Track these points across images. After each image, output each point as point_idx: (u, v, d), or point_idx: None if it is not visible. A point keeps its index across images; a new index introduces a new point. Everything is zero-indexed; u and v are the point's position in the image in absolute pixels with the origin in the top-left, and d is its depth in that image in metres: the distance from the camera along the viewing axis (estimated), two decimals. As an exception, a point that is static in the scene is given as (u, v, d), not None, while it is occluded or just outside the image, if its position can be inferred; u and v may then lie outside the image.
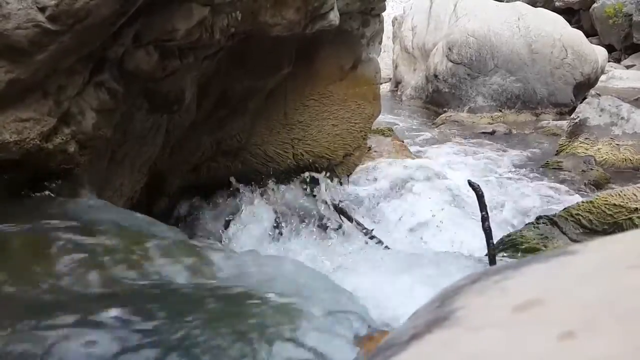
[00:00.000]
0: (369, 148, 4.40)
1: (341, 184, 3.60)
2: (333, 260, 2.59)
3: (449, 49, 8.00)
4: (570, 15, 13.73)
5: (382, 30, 3.60)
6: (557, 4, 14.31)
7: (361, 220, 3.26)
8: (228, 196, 3.15)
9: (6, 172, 1.68)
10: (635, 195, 2.90)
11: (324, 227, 3.03)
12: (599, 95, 6.83)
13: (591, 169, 4.73)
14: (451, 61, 7.97)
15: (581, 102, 6.18)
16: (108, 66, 1.89)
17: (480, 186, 2.57)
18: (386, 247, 2.96)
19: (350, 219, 3.12)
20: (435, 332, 0.44)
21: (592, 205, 2.99)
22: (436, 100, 8.25)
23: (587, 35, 9.34)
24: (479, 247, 2.94)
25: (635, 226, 2.77)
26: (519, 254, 2.79)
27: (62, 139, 1.75)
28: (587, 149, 5.12)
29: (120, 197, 2.37)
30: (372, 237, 3.01)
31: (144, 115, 2.26)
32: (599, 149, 5.10)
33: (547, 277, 0.48)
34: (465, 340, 0.41)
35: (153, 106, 2.26)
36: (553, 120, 7.34)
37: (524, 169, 5.15)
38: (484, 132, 6.86)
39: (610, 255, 0.49)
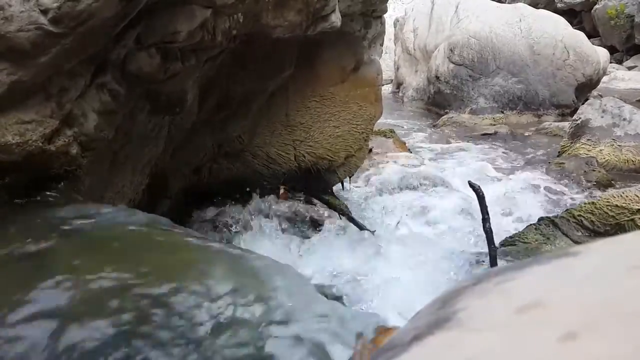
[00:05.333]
0: (371, 149, 4.41)
1: (342, 185, 3.61)
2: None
3: (451, 50, 7.99)
4: (572, 16, 13.71)
5: (383, 32, 3.60)
6: (558, 5, 14.30)
7: (361, 222, 3.26)
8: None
9: (8, 174, 1.68)
10: (637, 196, 2.89)
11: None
12: (601, 96, 6.82)
13: (593, 171, 4.73)
14: (453, 63, 7.96)
15: (583, 104, 6.18)
16: (110, 68, 1.89)
17: (481, 187, 2.57)
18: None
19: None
20: (437, 333, 0.44)
21: (594, 207, 2.98)
22: (438, 102, 8.25)
23: (589, 37, 9.32)
24: (480, 248, 2.94)
25: (638, 227, 2.77)
26: (521, 256, 2.78)
27: (64, 141, 1.75)
28: (589, 151, 5.11)
29: (122, 199, 2.37)
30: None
31: (146, 117, 2.26)
32: (601, 150, 5.09)
33: (548, 279, 0.48)
34: (467, 342, 0.41)
35: (155, 108, 2.26)
36: (555, 121, 7.33)
37: (526, 170, 5.14)
38: (485, 134, 6.85)
39: (612, 256, 0.49)
